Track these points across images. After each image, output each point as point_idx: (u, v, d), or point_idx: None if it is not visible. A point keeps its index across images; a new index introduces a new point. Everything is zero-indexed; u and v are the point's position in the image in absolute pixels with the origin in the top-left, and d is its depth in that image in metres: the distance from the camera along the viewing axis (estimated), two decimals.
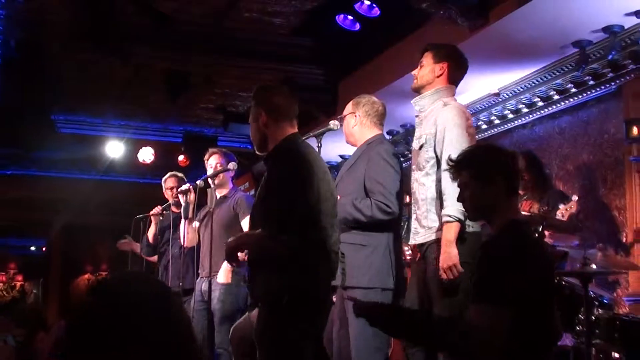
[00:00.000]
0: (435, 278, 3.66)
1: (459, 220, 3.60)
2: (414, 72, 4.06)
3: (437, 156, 3.80)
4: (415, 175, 3.92)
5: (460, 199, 2.89)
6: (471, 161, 2.83)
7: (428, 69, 3.97)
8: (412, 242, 3.97)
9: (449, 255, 3.57)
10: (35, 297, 13.90)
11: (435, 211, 3.77)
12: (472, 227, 3.66)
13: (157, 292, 1.42)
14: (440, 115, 3.82)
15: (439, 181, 3.75)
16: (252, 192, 10.37)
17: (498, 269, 2.55)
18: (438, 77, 3.95)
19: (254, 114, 3.45)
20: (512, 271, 2.53)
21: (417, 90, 4.02)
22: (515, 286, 2.50)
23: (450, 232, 3.61)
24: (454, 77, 4.01)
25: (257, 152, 3.50)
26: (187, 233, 5.45)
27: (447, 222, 3.62)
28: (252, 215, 3.51)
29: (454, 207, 3.56)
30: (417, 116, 4.05)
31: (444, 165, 3.61)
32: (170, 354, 1.35)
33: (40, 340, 8.49)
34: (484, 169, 2.77)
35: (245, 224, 5.14)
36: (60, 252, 12.19)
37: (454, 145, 3.66)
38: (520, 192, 5.18)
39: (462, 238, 3.64)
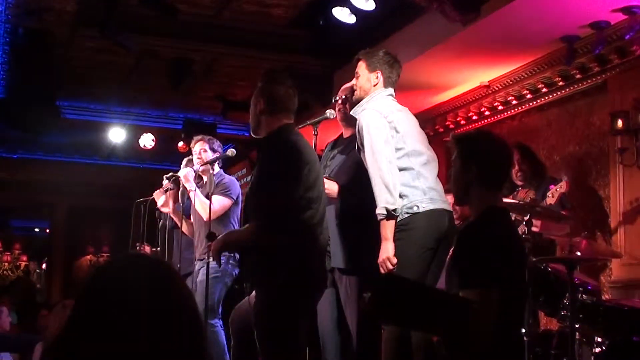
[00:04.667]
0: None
1: (388, 215, 3.69)
2: (352, 83, 4.11)
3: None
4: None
5: (449, 173, 3.00)
6: (460, 141, 2.91)
7: (364, 79, 4.02)
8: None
9: (384, 249, 3.69)
10: (38, 277, 14.02)
11: None
12: (420, 207, 3.71)
13: (154, 276, 1.37)
14: (360, 121, 3.91)
15: None
16: (250, 177, 10.51)
17: (480, 255, 2.63)
18: (375, 85, 4.00)
19: (255, 98, 3.52)
20: (494, 255, 2.62)
21: (358, 100, 4.05)
22: (500, 269, 2.59)
23: (384, 229, 3.71)
24: (390, 81, 4.05)
25: (252, 134, 3.58)
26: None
27: (380, 220, 3.73)
28: (245, 205, 3.55)
29: (379, 205, 3.69)
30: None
31: (369, 169, 3.78)
32: (172, 335, 1.32)
33: (42, 318, 8.63)
34: (464, 153, 2.83)
35: (214, 200, 5.08)
36: (64, 233, 12.30)
37: (373, 145, 3.77)
38: (519, 182, 5.35)
39: (412, 222, 3.71)
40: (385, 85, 4.03)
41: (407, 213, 3.72)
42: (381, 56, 4.05)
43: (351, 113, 4.07)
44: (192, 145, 5.73)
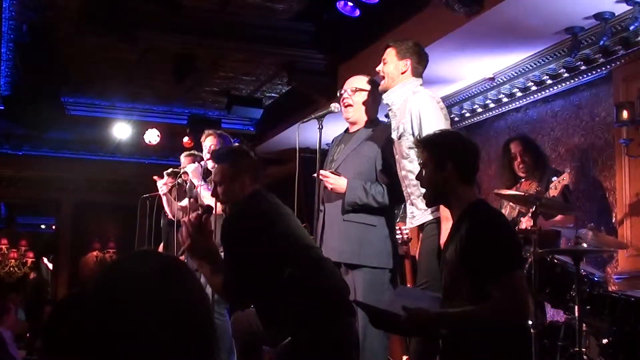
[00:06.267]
0: (425, 249, 3.82)
1: None
2: (378, 69, 4.13)
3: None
4: (402, 163, 4.00)
5: (417, 177, 3.06)
6: (430, 143, 2.99)
7: (392, 65, 4.06)
8: (410, 225, 4.07)
9: (445, 230, 3.71)
10: (46, 273, 14.06)
11: None
12: None
13: (166, 271, 1.36)
14: (413, 104, 3.92)
15: None
16: None
17: (497, 242, 2.73)
18: (403, 73, 4.05)
19: (233, 177, 3.62)
20: (507, 239, 2.74)
21: (386, 89, 4.10)
22: (512, 249, 2.73)
23: (444, 210, 3.76)
24: (417, 72, 4.10)
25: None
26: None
27: None
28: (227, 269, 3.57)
29: None
30: (390, 110, 4.13)
31: None
32: (183, 330, 1.30)
33: (47, 314, 8.67)
34: (438, 153, 2.91)
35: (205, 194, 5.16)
36: (70, 229, 12.34)
37: (433, 128, 3.74)
38: (522, 174, 5.35)
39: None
40: (414, 75, 4.06)
41: None
42: (411, 45, 4.11)
43: (382, 97, 4.09)
44: (202, 139, 5.72)
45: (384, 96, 4.11)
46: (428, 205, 3.40)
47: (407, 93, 4.01)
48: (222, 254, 3.54)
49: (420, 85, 4.09)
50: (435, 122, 3.83)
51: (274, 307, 3.33)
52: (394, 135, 4.05)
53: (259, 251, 3.33)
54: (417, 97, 3.96)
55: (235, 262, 3.39)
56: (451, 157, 2.88)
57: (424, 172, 2.99)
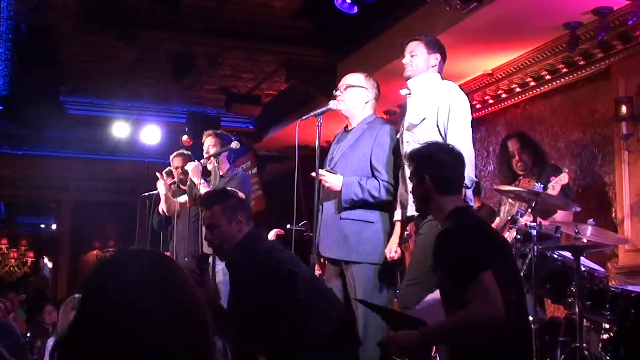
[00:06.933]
0: (419, 247, 3.82)
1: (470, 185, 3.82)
2: (405, 61, 4.14)
3: (439, 129, 3.95)
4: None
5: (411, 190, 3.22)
6: (412, 157, 3.18)
7: (422, 58, 4.10)
8: (408, 213, 4.04)
9: None
10: (46, 272, 14.07)
11: None
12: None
13: (157, 269, 1.36)
14: (443, 91, 4.00)
15: None
16: (255, 169, 10.53)
17: (458, 250, 2.83)
18: (433, 66, 4.10)
19: (226, 219, 3.57)
20: (469, 245, 2.82)
21: (411, 77, 4.13)
22: (473, 254, 2.78)
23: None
24: (442, 67, 4.16)
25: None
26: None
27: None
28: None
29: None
30: (409, 95, 4.16)
31: (449, 138, 3.86)
32: (177, 327, 1.30)
33: (47, 313, 8.69)
34: (417, 167, 3.10)
35: None
36: (70, 229, 12.36)
37: (460, 121, 3.89)
38: (520, 172, 5.35)
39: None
40: (439, 70, 4.13)
41: None
42: (436, 40, 4.17)
43: (409, 82, 4.12)
44: (203, 139, 5.76)
45: (408, 82, 4.14)
46: (418, 211, 3.53)
47: (433, 83, 4.08)
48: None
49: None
50: (464, 114, 3.94)
51: (284, 337, 3.31)
52: (413, 120, 4.07)
53: (271, 290, 3.32)
54: (450, 87, 4.05)
55: (247, 301, 3.38)
56: (427, 171, 3.04)
57: (412, 184, 3.19)
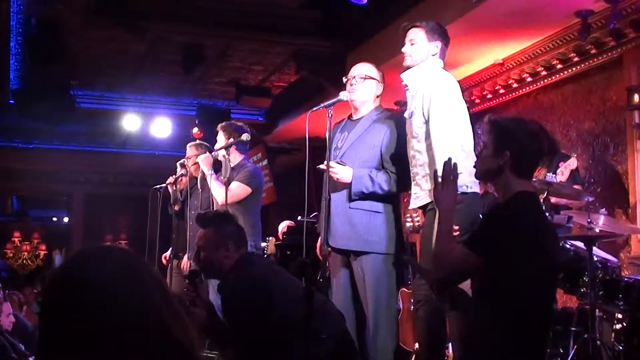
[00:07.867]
0: (428, 235, 3.80)
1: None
2: (405, 50, 4.03)
3: (427, 122, 3.84)
4: (412, 143, 3.95)
5: (478, 154, 3.06)
6: (497, 126, 2.89)
7: (422, 47, 3.98)
8: (413, 206, 3.99)
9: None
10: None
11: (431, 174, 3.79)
12: (469, 187, 3.68)
13: (127, 266, 1.33)
14: (428, 84, 3.87)
15: (430, 146, 3.81)
16: (265, 161, 10.54)
17: (486, 224, 2.81)
18: (433, 55, 3.98)
19: (218, 243, 3.57)
20: (496, 228, 2.72)
21: (409, 67, 4.02)
22: (492, 240, 2.68)
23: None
24: (444, 54, 4.05)
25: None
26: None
27: None
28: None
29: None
30: (407, 89, 4.07)
31: (431, 132, 3.76)
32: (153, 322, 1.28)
33: None
34: (500, 139, 2.84)
35: (233, 186, 5.18)
36: (82, 222, 12.43)
37: (442, 113, 3.74)
38: None
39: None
40: (441, 57, 4.02)
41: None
42: (437, 26, 4.05)
43: (400, 76, 4.03)
44: (217, 130, 5.77)
45: (401, 75, 4.05)
46: (477, 177, 3.31)
47: (426, 73, 3.97)
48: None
49: (442, 67, 4.05)
50: (447, 105, 3.79)
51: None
52: (406, 114, 4.00)
53: (266, 315, 3.31)
54: (434, 78, 3.92)
55: (246, 330, 3.36)
56: (510, 147, 2.81)
57: (484, 151, 2.94)
